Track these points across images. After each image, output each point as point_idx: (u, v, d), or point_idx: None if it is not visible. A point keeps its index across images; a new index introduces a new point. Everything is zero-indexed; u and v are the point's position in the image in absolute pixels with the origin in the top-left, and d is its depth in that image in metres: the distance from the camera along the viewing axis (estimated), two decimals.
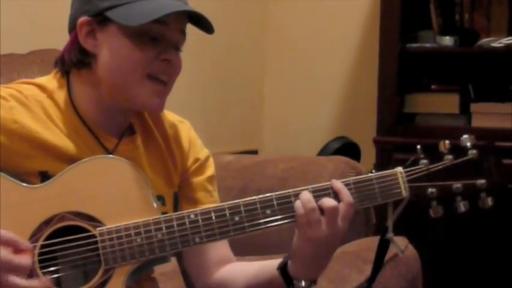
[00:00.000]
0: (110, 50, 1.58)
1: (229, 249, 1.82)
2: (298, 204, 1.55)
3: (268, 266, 1.68)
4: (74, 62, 1.62)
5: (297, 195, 1.56)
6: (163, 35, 1.58)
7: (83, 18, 1.59)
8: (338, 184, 1.57)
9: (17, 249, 1.45)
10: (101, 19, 1.58)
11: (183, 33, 1.63)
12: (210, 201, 1.75)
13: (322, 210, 1.54)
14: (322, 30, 4.03)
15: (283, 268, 1.62)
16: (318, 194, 1.56)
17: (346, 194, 1.56)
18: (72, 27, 1.62)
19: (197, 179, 1.77)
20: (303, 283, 1.60)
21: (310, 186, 1.57)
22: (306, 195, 1.55)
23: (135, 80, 1.57)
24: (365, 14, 3.90)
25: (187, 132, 1.78)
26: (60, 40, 1.68)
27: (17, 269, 1.42)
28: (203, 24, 1.61)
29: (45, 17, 2.73)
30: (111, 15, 1.57)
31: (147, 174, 1.64)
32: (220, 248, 1.79)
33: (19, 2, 2.70)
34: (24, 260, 1.44)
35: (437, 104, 3.54)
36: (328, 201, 1.54)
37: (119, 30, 1.57)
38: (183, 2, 1.61)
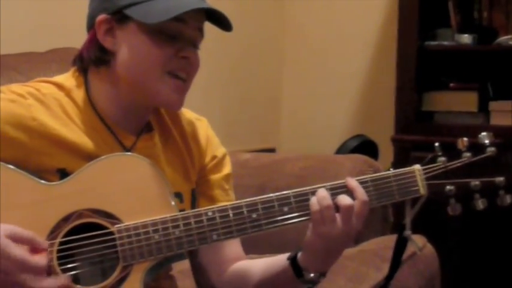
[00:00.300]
0: (129, 48, 1.59)
1: (241, 247, 1.82)
2: (313, 200, 1.55)
3: (280, 258, 1.68)
4: (93, 59, 1.62)
5: (314, 193, 1.56)
6: (181, 32, 1.59)
7: (101, 16, 1.60)
8: (353, 182, 1.57)
9: (33, 248, 1.46)
10: (119, 17, 1.59)
11: (200, 31, 1.63)
12: (226, 200, 1.76)
13: (337, 207, 1.54)
14: (340, 28, 4.03)
15: (293, 259, 1.62)
16: (335, 192, 1.56)
17: (360, 192, 1.55)
18: (91, 26, 1.63)
19: (214, 177, 1.77)
20: (313, 275, 1.61)
21: (327, 184, 1.57)
22: (322, 193, 1.55)
23: (154, 77, 1.58)
24: (383, 12, 3.90)
25: (204, 129, 1.79)
26: (79, 39, 1.68)
27: (32, 269, 1.43)
28: (221, 21, 1.62)
29: (64, 15, 2.74)
30: (130, 13, 1.57)
31: (165, 171, 1.64)
32: (234, 245, 1.80)
33: (38, 1, 2.71)
34: (40, 260, 1.45)
35: (455, 102, 3.53)
36: (344, 199, 1.54)
37: (138, 27, 1.58)
38: (200, 0, 1.61)
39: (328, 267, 1.63)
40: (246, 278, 1.75)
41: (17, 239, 1.44)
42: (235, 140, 3.65)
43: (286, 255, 1.66)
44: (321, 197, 1.54)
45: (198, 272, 1.84)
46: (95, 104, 1.63)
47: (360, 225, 1.56)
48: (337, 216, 1.54)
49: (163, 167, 1.66)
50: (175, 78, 1.59)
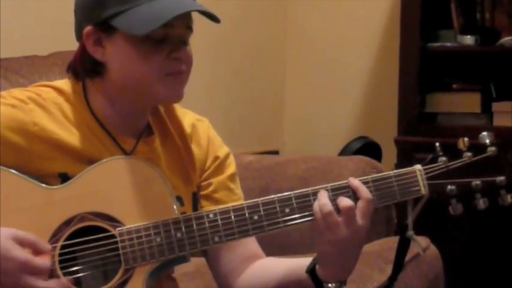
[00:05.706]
0: (120, 58, 1.57)
1: (257, 244, 1.79)
2: (315, 208, 1.54)
3: (296, 267, 1.66)
4: (87, 71, 1.61)
5: (315, 194, 1.56)
6: (169, 35, 1.55)
7: (88, 28, 1.57)
8: (355, 182, 1.57)
9: (36, 251, 1.46)
10: (105, 27, 1.56)
11: (189, 28, 1.60)
12: (233, 200, 1.73)
13: (339, 210, 1.54)
14: (343, 30, 4.02)
15: (312, 271, 1.60)
16: (336, 193, 1.56)
17: (364, 191, 1.55)
18: (79, 37, 1.60)
19: (217, 179, 1.75)
20: (333, 285, 1.59)
21: (329, 185, 1.57)
22: (323, 199, 1.55)
23: (151, 81, 1.56)
24: (386, 13, 3.89)
25: (205, 130, 1.77)
26: None
27: (35, 271, 1.43)
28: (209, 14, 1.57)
29: (66, 18, 2.73)
30: (115, 24, 1.54)
31: (165, 174, 1.63)
32: (250, 243, 1.76)
33: (40, 3, 2.72)
34: (43, 261, 1.45)
35: (458, 103, 3.52)
36: (343, 201, 1.54)
37: (125, 38, 1.55)
38: None
39: (347, 274, 1.61)
40: (264, 283, 1.73)
41: (20, 242, 1.44)
42: (239, 142, 3.64)
43: (303, 262, 1.64)
44: (322, 204, 1.54)
45: (218, 278, 1.79)
46: (93, 109, 1.62)
47: (367, 224, 1.55)
48: (340, 220, 1.53)
49: (164, 170, 1.65)
50: (172, 75, 1.57)
